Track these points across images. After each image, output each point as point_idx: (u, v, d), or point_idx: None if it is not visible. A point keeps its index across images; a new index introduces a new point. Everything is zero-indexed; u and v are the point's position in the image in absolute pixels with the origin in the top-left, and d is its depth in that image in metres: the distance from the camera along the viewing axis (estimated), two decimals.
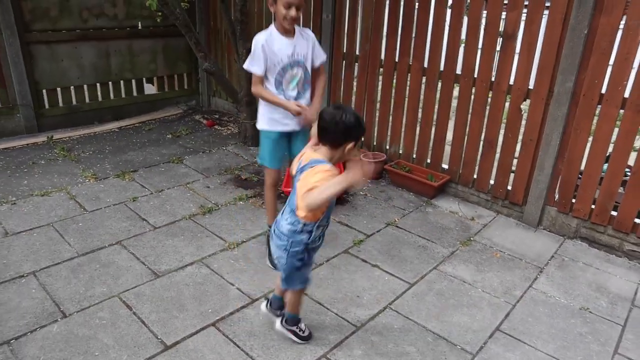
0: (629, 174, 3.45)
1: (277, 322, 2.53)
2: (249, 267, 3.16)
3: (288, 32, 2.83)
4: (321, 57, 2.99)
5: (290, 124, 2.95)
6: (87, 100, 5.63)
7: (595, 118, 3.47)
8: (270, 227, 3.14)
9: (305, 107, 2.86)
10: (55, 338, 2.47)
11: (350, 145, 2.05)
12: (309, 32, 2.96)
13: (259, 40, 2.76)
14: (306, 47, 2.89)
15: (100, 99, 5.73)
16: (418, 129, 4.45)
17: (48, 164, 4.54)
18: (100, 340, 2.48)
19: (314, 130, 2.19)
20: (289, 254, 2.19)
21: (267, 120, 2.97)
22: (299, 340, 2.52)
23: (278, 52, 2.78)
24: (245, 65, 2.85)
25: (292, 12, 2.69)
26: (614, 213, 3.54)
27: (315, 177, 1.96)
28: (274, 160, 3.07)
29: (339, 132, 2.02)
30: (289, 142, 3.08)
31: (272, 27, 2.84)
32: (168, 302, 2.79)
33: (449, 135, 4.27)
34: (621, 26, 3.22)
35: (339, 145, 2.05)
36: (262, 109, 2.97)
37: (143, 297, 2.82)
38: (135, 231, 3.50)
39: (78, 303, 2.73)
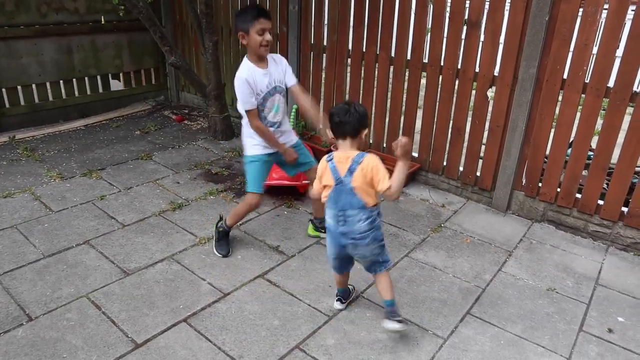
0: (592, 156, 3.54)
1: (390, 323, 2.44)
2: (221, 261, 3.13)
3: (262, 60, 2.84)
4: (293, 79, 3.01)
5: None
6: (50, 98, 5.46)
7: (559, 103, 3.55)
8: (229, 227, 3.22)
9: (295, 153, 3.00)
10: (20, 342, 2.40)
11: (365, 131, 2.32)
12: (281, 58, 2.99)
13: (242, 76, 2.76)
14: (281, 72, 2.93)
15: (64, 96, 5.57)
16: (387, 118, 4.48)
17: (10, 164, 4.40)
18: (68, 342, 2.42)
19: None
20: (377, 241, 2.39)
21: (257, 145, 2.98)
22: (403, 327, 2.47)
23: (258, 82, 2.80)
24: (241, 108, 2.83)
25: (267, 36, 2.72)
26: (578, 196, 3.64)
27: (378, 169, 2.23)
28: (261, 185, 3.05)
29: (355, 121, 2.26)
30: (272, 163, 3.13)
31: (246, 60, 2.83)
32: (138, 300, 2.75)
33: (418, 124, 4.30)
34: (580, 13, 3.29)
35: (357, 134, 2.29)
36: (252, 135, 2.95)
37: (112, 296, 2.77)
38: (104, 230, 3.43)
39: (44, 305, 2.66)
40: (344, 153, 2.29)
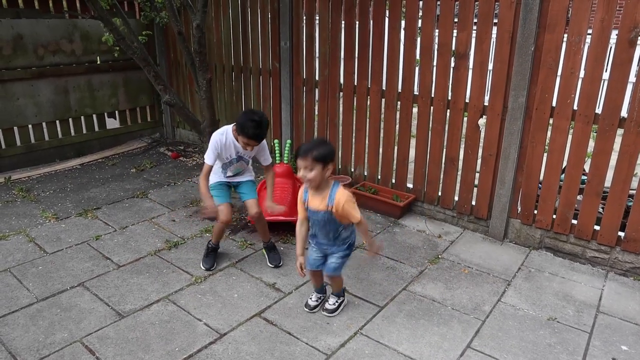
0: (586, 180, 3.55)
1: (329, 304, 2.99)
2: (217, 300, 3.09)
3: None
4: (267, 160, 3.46)
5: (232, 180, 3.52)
6: (46, 137, 5.51)
7: (549, 131, 3.58)
8: (214, 244, 3.53)
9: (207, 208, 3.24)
10: None
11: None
12: (261, 142, 3.34)
13: (215, 139, 3.24)
14: (254, 151, 3.34)
15: (60, 135, 5.62)
16: (381, 150, 4.51)
17: (5, 206, 4.39)
18: None
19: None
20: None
21: (214, 175, 3.46)
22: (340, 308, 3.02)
23: (228, 150, 3.29)
24: (205, 158, 3.29)
25: (249, 148, 3.23)
26: (574, 222, 3.63)
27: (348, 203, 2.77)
28: (222, 198, 3.42)
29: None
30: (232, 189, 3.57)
31: (229, 128, 3.27)
32: (133, 343, 2.70)
33: (412, 154, 4.33)
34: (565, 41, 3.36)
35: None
36: (213, 174, 3.46)
37: (107, 340, 2.72)
38: (99, 271, 3.39)
39: (37, 352, 2.61)
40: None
